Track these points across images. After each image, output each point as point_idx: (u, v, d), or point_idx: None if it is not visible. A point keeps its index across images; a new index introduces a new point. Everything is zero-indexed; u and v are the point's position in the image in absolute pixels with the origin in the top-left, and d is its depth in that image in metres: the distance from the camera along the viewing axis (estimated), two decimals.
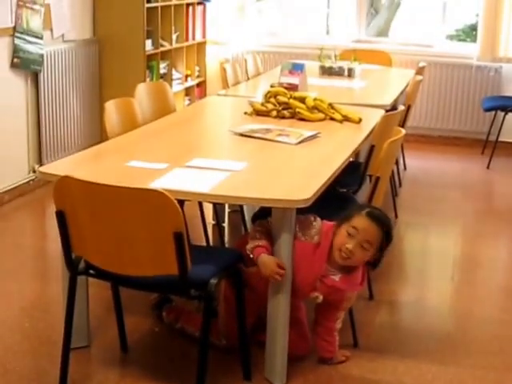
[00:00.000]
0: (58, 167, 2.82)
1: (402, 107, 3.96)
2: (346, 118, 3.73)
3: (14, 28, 4.67)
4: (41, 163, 5.01)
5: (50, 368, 2.78)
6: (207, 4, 6.88)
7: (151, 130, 3.50)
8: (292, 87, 4.25)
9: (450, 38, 7.23)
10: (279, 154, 3.14)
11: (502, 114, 6.23)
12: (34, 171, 4.98)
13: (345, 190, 3.55)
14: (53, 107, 5.19)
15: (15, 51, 4.72)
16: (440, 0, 7.00)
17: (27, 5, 4.73)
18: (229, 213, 4.14)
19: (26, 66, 4.83)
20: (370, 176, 3.30)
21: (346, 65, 5.43)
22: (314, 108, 3.79)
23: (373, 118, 3.76)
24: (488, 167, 6.11)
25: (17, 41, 4.71)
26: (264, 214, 2.76)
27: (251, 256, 2.64)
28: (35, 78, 4.99)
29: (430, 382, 2.84)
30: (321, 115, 3.77)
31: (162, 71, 6.10)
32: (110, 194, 2.34)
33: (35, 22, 4.84)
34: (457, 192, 5.46)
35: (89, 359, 2.92)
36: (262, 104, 3.87)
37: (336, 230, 2.71)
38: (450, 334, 3.25)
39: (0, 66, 4.63)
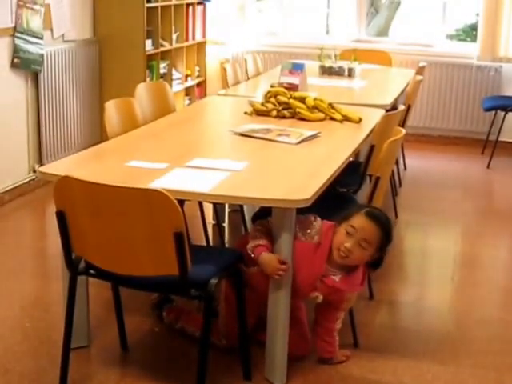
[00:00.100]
0: (59, 167, 2.82)
1: (402, 107, 3.96)
2: (346, 118, 3.73)
3: (15, 28, 4.68)
4: (41, 163, 5.01)
5: (50, 368, 2.78)
6: (207, 4, 6.88)
7: (151, 130, 3.50)
8: (292, 87, 4.25)
9: (450, 37, 7.22)
10: (279, 154, 3.14)
11: (502, 113, 6.23)
12: (34, 171, 4.98)
13: (345, 190, 3.55)
14: (53, 107, 5.19)
15: (15, 51, 4.72)
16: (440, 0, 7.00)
17: (27, 5, 4.73)
18: (229, 213, 4.14)
19: (26, 66, 4.83)
20: (370, 176, 3.30)
21: (346, 65, 5.43)
22: (314, 108, 3.79)
23: (373, 118, 3.76)
24: (488, 167, 6.11)
25: (17, 41, 4.71)
26: (264, 213, 2.76)
27: (252, 255, 2.64)
28: (35, 78, 4.99)
29: (429, 382, 2.84)
30: (321, 115, 3.77)
31: (162, 71, 6.10)
32: (110, 194, 2.34)
33: (35, 22, 4.84)
34: (457, 192, 5.46)
35: (89, 359, 2.92)
36: (262, 104, 3.87)
37: (336, 229, 2.71)
38: (450, 334, 3.25)
39: (0, 65, 4.63)
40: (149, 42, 5.78)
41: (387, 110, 4.01)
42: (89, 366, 2.88)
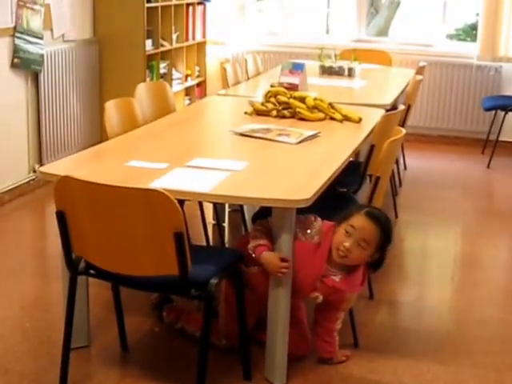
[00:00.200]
0: (59, 167, 2.82)
1: (402, 107, 3.96)
2: (346, 118, 3.73)
3: (15, 28, 4.67)
4: (41, 163, 5.01)
5: (50, 368, 2.78)
6: (207, 4, 6.88)
7: (151, 130, 3.50)
8: (292, 87, 4.25)
9: (450, 37, 7.22)
10: (279, 154, 3.14)
11: (502, 113, 6.23)
12: (35, 171, 4.98)
13: (345, 190, 3.55)
14: (53, 107, 5.19)
15: (15, 51, 4.72)
16: None
17: (27, 5, 4.73)
18: (229, 212, 4.13)
19: (26, 66, 4.83)
20: (370, 176, 3.30)
21: (346, 64, 5.43)
22: (314, 108, 3.79)
23: (373, 118, 3.76)
24: (488, 167, 6.11)
25: (17, 41, 4.71)
26: (264, 213, 2.76)
27: (253, 255, 2.64)
28: (35, 78, 4.99)
29: (429, 382, 2.84)
30: (321, 115, 3.77)
31: (162, 71, 6.10)
32: (110, 194, 2.34)
33: (35, 22, 4.84)
34: (457, 191, 5.46)
35: (89, 359, 2.92)
36: (262, 104, 3.87)
37: (336, 229, 2.71)
38: (450, 334, 3.25)
39: (0, 65, 4.63)
40: (149, 42, 5.78)
41: (387, 110, 4.01)
42: (89, 366, 2.88)
